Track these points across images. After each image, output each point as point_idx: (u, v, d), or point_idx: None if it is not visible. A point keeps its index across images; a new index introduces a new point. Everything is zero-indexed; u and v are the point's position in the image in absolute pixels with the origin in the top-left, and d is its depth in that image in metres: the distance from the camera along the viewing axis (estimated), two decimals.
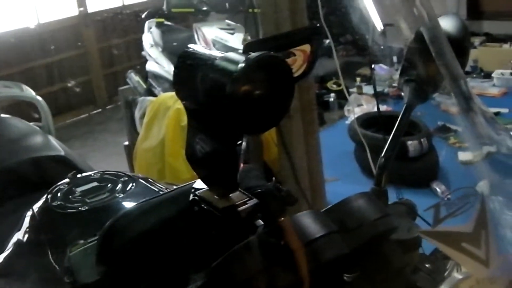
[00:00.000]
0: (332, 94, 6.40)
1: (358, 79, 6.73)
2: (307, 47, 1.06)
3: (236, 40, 5.08)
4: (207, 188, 1.06)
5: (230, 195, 1.03)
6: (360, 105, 5.92)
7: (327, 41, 2.62)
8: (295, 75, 1.04)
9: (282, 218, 1.00)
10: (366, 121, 4.79)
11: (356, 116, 4.88)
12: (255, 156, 3.23)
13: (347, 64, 6.71)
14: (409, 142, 4.35)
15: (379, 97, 5.55)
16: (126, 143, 4.60)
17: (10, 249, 1.53)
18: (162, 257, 1.05)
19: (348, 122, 5.52)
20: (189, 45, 0.95)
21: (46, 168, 2.23)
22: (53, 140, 2.61)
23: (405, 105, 1.22)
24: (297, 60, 1.05)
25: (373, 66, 5.40)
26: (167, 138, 3.69)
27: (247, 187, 1.08)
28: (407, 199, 1.22)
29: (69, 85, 7.37)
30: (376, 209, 0.99)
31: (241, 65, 0.83)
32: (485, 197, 0.90)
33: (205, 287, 0.93)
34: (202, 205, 1.05)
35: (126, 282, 1.06)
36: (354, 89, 6.49)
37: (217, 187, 1.04)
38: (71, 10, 7.43)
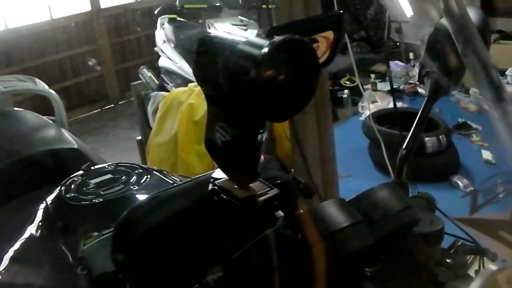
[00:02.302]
0: (346, 91, 6.37)
1: (372, 76, 6.70)
2: (330, 34, 1.04)
3: (249, 36, 5.05)
4: (227, 177, 1.04)
5: (250, 184, 1.01)
6: (375, 102, 5.89)
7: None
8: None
9: (300, 211, 0.98)
10: (381, 117, 4.77)
11: (369, 112, 4.86)
12: (268, 151, 3.21)
13: (361, 60, 6.68)
14: (427, 139, 4.33)
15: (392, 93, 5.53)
16: (139, 138, 4.59)
17: (23, 242, 1.53)
18: (179, 248, 1.03)
19: (361, 118, 5.50)
20: (208, 31, 0.93)
21: (60, 160, 2.22)
22: (66, 134, 2.60)
23: (426, 98, 1.20)
24: (320, 47, 1.03)
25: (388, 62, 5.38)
26: (180, 133, 3.68)
27: (266, 177, 1.06)
28: (426, 193, 1.21)
29: (81, 80, 7.39)
30: (400, 200, 0.97)
31: (265, 49, 0.80)
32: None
33: (224, 280, 0.92)
34: (222, 195, 1.02)
35: (141, 274, 1.05)
36: (369, 86, 6.46)
37: (237, 176, 1.02)
38: (84, 6, 7.44)
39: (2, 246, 1.59)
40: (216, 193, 1.04)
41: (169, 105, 3.87)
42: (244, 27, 5.31)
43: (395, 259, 0.98)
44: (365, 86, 6.31)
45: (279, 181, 1.07)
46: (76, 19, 7.34)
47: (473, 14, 1.23)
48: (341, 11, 1.10)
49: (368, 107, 5.20)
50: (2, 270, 1.44)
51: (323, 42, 1.04)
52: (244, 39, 0.85)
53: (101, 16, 7.49)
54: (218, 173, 1.06)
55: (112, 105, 7.62)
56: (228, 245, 0.95)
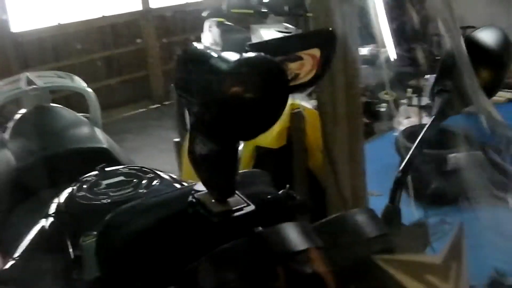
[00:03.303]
0: (384, 104, 6.26)
1: (409, 90, 6.57)
2: (316, 52, 1.02)
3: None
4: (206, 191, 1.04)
5: (229, 199, 1.01)
6: (409, 117, 5.78)
7: (383, 49, 2.56)
8: (302, 80, 1.00)
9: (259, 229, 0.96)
10: (413, 133, 4.64)
11: (403, 128, 4.77)
12: (300, 163, 3.19)
13: (400, 74, 6.56)
14: (451, 155, 4.18)
15: (428, 109, 5.41)
16: (177, 139, 4.61)
17: (33, 235, 1.56)
18: (154, 257, 1.03)
19: (396, 134, 5.40)
20: (192, 43, 0.93)
21: (87, 159, 2.25)
22: (98, 133, 2.64)
23: (433, 117, 1.18)
24: (305, 64, 1.01)
25: (424, 76, 5.27)
26: None
27: (252, 192, 1.05)
28: (422, 221, 1.17)
29: (127, 78, 7.48)
30: (374, 227, 0.94)
31: (231, 64, 0.80)
32: (463, 225, 0.82)
33: None
34: (197, 208, 1.03)
35: (122, 280, 1.06)
36: (406, 100, 6.33)
37: (214, 190, 1.02)
38: (135, 5, 7.54)
39: (18, 240, 1.63)
40: (193, 206, 1.04)
41: None
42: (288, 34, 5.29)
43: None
44: (402, 101, 6.20)
45: (266, 197, 1.06)
46: (126, 18, 7.44)
47: (492, 34, 1.20)
48: (330, 29, 1.08)
49: (399, 123, 5.11)
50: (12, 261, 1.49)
51: (308, 60, 1.01)
52: (219, 54, 0.85)
53: (150, 16, 7.58)
54: (200, 185, 1.06)
55: (158, 105, 7.68)
56: (202, 259, 0.95)
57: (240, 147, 0.95)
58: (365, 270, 0.92)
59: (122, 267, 1.06)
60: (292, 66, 0.97)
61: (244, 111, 0.84)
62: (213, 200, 1.02)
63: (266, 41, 1.07)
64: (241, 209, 1.00)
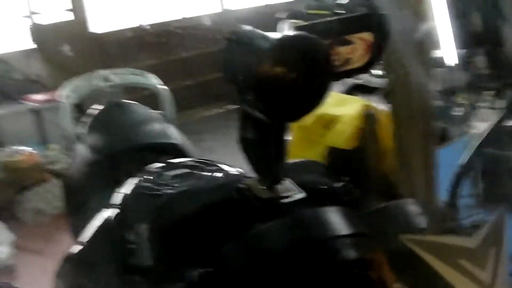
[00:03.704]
0: (461, 108, 6.08)
1: (488, 92, 6.33)
2: (368, 36, 0.98)
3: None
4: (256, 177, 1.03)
5: (278, 186, 0.99)
6: (487, 121, 5.58)
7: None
8: (355, 65, 0.97)
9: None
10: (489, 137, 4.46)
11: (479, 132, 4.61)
12: (374, 166, 3.14)
13: (480, 76, 6.34)
14: None
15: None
16: None
17: (98, 223, 1.61)
18: (200, 241, 1.03)
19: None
20: (241, 26, 0.92)
21: (160, 154, 2.29)
22: (171, 129, 2.68)
23: (505, 111, 1.12)
24: (357, 49, 0.98)
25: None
26: None
27: (306, 181, 1.03)
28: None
29: (208, 79, 7.56)
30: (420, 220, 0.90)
31: (272, 42, 0.78)
32: (504, 212, 0.76)
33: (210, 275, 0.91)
34: (245, 193, 1.01)
35: (173, 264, 1.06)
36: (484, 103, 6.11)
37: (262, 177, 1.00)
38: (215, 6, 7.62)
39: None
40: (241, 192, 1.02)
41: None
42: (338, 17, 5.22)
43: None
44: (480, 104, 5.99)
45: (320, 187, 1.04)
46: (206, 20, 7.53)
47: None
48: (382, 13, 1.04)
49: (475, 127, 4.95)
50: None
51: (360, 44, 0.98)
52: (263, 34, 0.84)
53: (229, 17, 7.64)
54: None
55: (235, 106, 7.71)
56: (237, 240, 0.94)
57: (289, 137, 0.93)
58: (407, 261, 0.86)
59: (172, 251, 1.06)
60: (343, 50, 0.94)
61: (284, 89, 0.81)
62: (261, 187, 1.00)
63: (313, 23, 1.04)
64: (290, 196, 0.98)
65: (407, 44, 2.70)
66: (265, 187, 1.00)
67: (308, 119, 3.55)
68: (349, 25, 1.00)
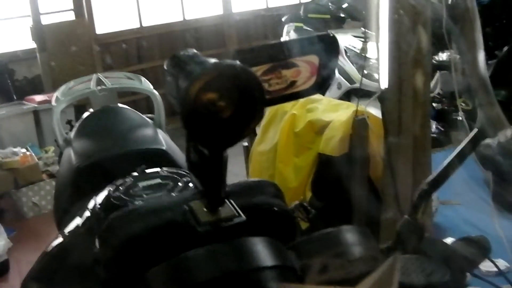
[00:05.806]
0: (461, 113, 6.04)
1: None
2: (314, 58, 0.97)
3: (369, 49, 4.97)
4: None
5: (220, 208, 0.97)
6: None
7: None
8: (301, 88, 0.96)
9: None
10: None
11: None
12: (361, 171, 3.11)
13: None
14: None
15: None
16: (245, 144, 4.61)
17: (68, 233, 1.60)
18: (141, 264, 1.02)
19: None
20: (183, 50, 0.92)
21: (144, 161, 2.28)
22: (160, 134, 2.66)
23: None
24: (302, 72, 0.96)
25: None
26: (279, 143, 3.61)
27: (254, 203, 1.02)
28: (482, 236, 1.11)
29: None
30: (361, 247, 0.88)
31: (204, 68, 0.78)
32: (398, 256, 0.72)
33: None
34: (187, 217, 1.00)
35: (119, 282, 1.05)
36: None
37: (205, 199, 0.99)
38: (217, 9, 7.62)
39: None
40: (184, 215, 1.01)
41: (274, 114, 3.81)
42: (365, 39, 5.21)
43: None
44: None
45: (268, 208, 1.02)
46: (207, 22, 7.53)
47: None
48: (331, 34, 1.03)
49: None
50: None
51: (305, 67, 0.97)
52: (200, 59, 0.83)
53: (231, 20, 7.64)
54: None
55: None
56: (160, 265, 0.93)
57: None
58: None
59: (117, 270, 1.05)
60: (287, 74, 0.93)
61: (211, 116, 0.81)
62: (204, 209, 0.99)
63: (252, 48, 1.03)
64: (230, 219, 0.96)
65: (405, 49, 2.69)
66: (206, 210, 0.99)
67: (300, 125, 3.56)
68: (294, 49, 0.99)
